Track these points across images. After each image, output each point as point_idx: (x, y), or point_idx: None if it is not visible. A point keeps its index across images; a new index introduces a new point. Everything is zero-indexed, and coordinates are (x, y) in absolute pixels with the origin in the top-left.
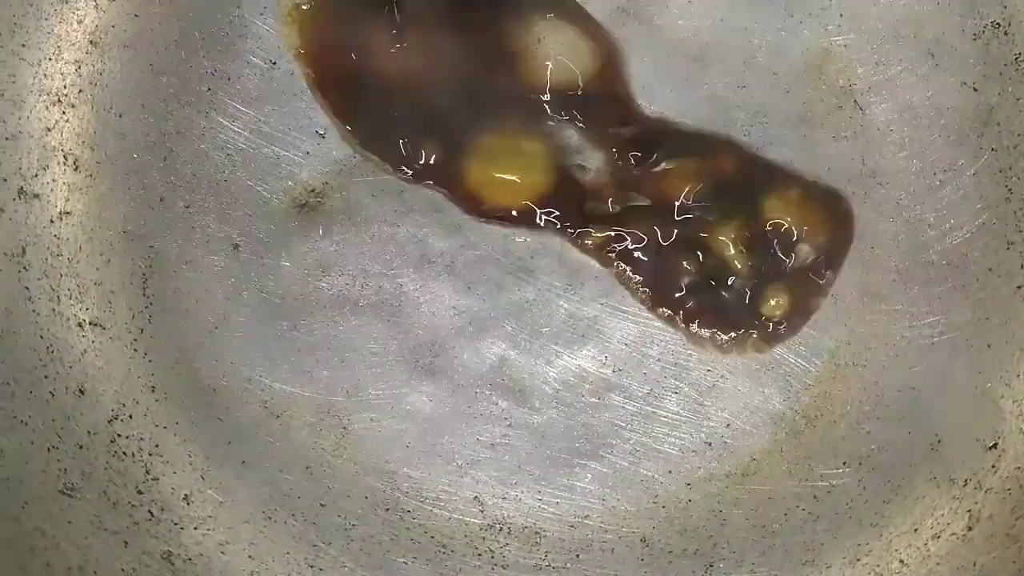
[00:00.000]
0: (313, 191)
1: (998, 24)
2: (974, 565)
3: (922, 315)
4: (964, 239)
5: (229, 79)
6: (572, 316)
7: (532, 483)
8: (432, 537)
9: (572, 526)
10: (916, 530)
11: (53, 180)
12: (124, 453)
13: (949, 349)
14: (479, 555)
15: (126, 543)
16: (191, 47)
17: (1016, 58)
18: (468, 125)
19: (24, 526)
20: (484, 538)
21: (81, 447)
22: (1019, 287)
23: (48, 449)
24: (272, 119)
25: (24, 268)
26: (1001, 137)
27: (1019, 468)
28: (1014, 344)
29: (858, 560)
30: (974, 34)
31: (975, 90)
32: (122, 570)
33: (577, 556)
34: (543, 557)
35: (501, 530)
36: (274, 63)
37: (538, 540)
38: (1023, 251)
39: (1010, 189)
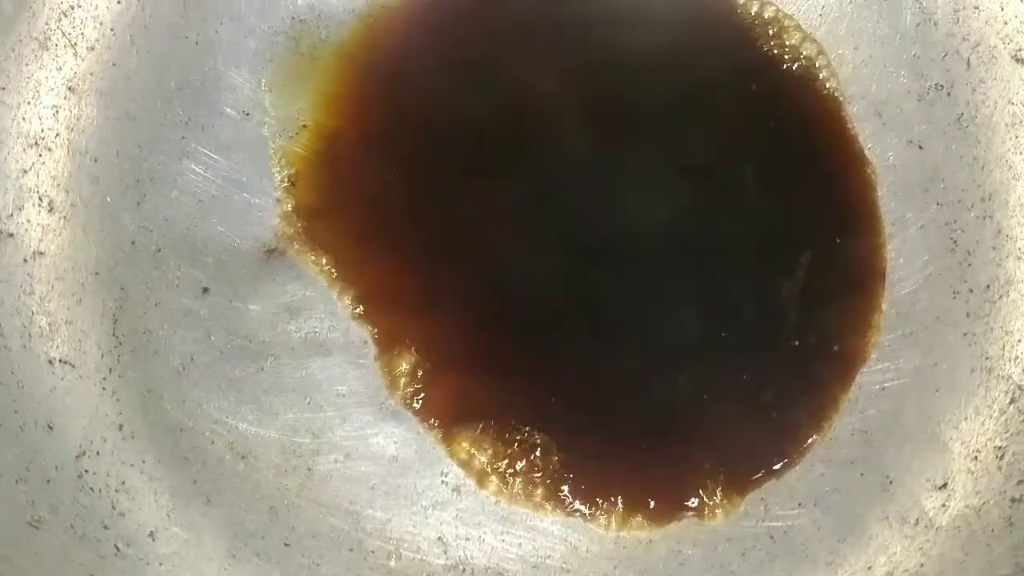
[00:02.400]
0: (283, 237)
1: (941, 86)
2: None
3: (873, 362)
4: (911, 290)
5: (203, 128)
6: None
7: (495, 524)
8: None
9: (534, 566)
10: (870, 568)
11: (28, 220)
12: (91, 488)
13: (899, 394)
14: None
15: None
16: (167, 97)
17: (959, 118)
18: None
19: None
20: None
21: (48, 481)
22: (965, 334)
23: (16, 481)
24: (244, 167)
25: None
26: (946, 192)
27: (968, 506)
28: (961, 389)
29: None
30: (919, 96)
31: (920, 148)
32: None
33: None
34: None
35: (464, 570)
36: (247, 114)
37: None
38: (968, 300)
39: (955, 241)
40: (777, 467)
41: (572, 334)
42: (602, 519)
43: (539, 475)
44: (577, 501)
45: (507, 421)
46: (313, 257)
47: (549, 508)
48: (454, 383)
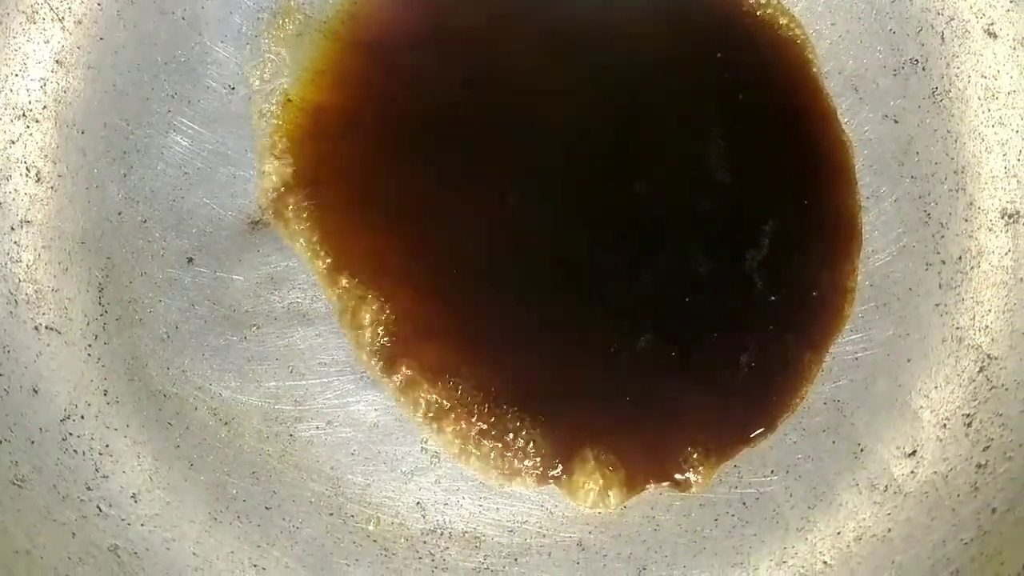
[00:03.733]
0: (265, 209)
1: (916, 60)
2: (892, 563)
3: (846, 332)
4: (885, 261)
5: (189, 102)
6: None
7: (474, 490)
8: (374, 541)
9: (511, 531)
10: (839, 533)
11: (15, 190)
12: (75, 451)
13: (871, 364)
14: (420, 558)
15: (74, 534)
16: (153, 70)
17: (933, 92)
18: None
19: None
20: (425, 542)
21: (33, 443)
22: (937, 305)
23: (0, 442)
24: (229, 140)
25: None
26: (920, 166)
27: (936, 473)
28: (932, 358)
29: (784, 562)
30: (894, 70)
31: (896, 122)
32: (68, 558)
33: (515, 559)
34: (482, 560)
35: (442, 534)
36: (232, 88)
37: (478, 544)
38: (940, 272)
39: (928, 214)
40: (754, 435)
41: (549, 305)
42: (578, 490)
43: (514, 445)
44: (552, 472)
45: (482, 392)
46: (294, 228)
47: (523, 478)
48: (427, 353)
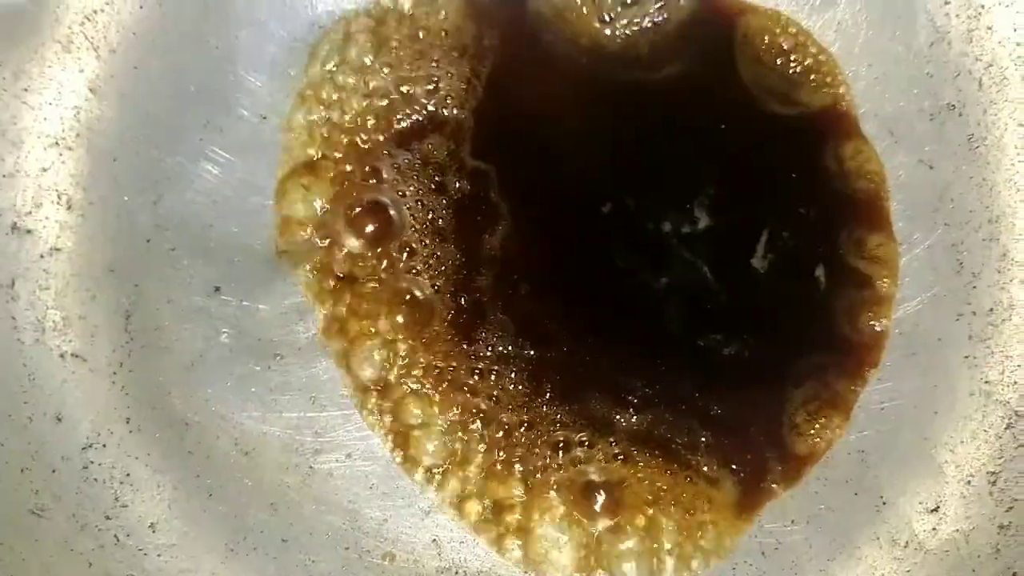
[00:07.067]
0: (294, 240)
1: (953, 106)
2: None
3: (873, 381)
4: (916, 310)
5: (221, 131)
6: None
7: None
8: None
9: (526, 571)
10: None
11: (46, 217)
12: (95, 479)
13: (897, 415)
14: None
15: (90, 564)
16: (185, 99)
17: (969, 138)
18: None
19: None
20: None
21: (54, 471)
22: (966, 357)
23: (21, 470)
24: (259, 170)
25: (12, 299)
26: (954, 213)
27: (957, 531)
28: (959, 412)
29: None
30: (931, 115)
31: (931, 168)
32: None
33: None
34: None
35: (457, 573)
36: (264, 118)
37: None
38: (971, 323)
39: (961, 263)
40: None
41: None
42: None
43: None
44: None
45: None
46: (306, 268)
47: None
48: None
